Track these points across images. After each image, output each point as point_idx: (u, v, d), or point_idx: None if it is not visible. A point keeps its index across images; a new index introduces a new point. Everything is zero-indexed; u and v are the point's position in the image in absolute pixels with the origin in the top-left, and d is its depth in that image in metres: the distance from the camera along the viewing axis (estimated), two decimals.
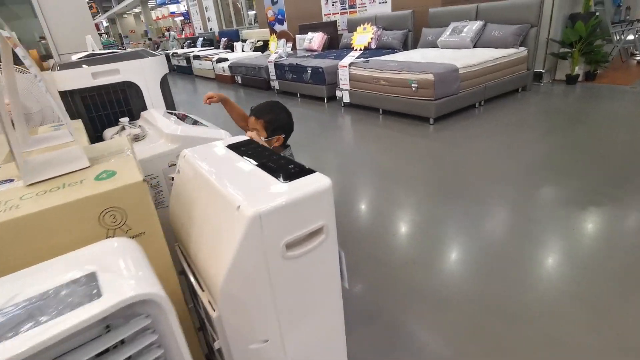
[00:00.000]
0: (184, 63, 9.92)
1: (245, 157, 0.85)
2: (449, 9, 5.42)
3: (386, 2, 6.38)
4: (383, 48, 6.07)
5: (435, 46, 5.37)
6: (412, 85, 4.06)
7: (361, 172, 3.17)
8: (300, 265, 0.73)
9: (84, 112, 1.36)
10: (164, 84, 1.51)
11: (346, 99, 5.12)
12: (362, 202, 2.65)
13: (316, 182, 0.73)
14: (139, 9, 18.75)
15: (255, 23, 11.04)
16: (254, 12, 10.86)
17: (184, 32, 14.07)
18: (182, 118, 1.37)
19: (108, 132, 1.33)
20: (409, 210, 2.46)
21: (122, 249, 0.58)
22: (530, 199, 2.39)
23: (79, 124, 1.31)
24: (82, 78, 1.33)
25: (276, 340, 0.77)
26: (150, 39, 16.93)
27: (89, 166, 0.76)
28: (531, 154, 3.09)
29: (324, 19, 8.01)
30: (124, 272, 0.51)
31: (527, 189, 2.53)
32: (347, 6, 7.47)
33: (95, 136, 1.38)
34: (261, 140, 1.33)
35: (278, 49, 8.25)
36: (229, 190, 0.69)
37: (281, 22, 9.12)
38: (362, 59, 5.02)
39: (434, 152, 3.39)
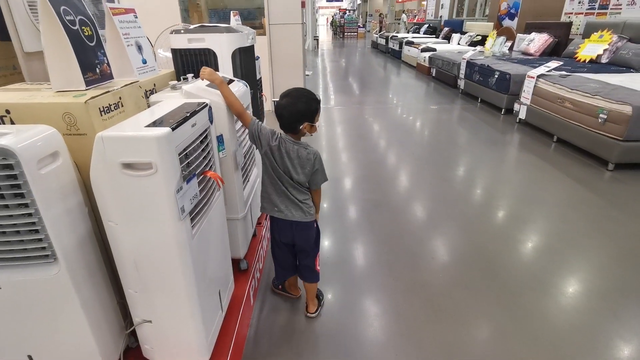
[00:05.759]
0: (397, 47, 10.29)
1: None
2: None
3: None
4: (615, 64, 4.73)
5: None
6: (600, 115, 3.15)
7: (493, 218, 2.75)
8: None
9: (180, 66, 1.88)
10: (236, 56, 1.87)
11: (522, 114, 4.37)
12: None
13: None
14: None
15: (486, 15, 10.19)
16: None
17: (417, 16, 14.34)
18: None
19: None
20: None
21: None
22: None
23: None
24: (182, 41, 1.83)
25: None
26: (381, 18, 18.17)
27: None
28: None
29: (563, 18, 6.72)
30: None
31: None
32: (596, 5, 6.05)
33: None
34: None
35: (494, 47, 7.49)
36: None
37: (512, 17, 8.14)
38: (560, 72, 4.12)
39: (603, 213, 2.54)
